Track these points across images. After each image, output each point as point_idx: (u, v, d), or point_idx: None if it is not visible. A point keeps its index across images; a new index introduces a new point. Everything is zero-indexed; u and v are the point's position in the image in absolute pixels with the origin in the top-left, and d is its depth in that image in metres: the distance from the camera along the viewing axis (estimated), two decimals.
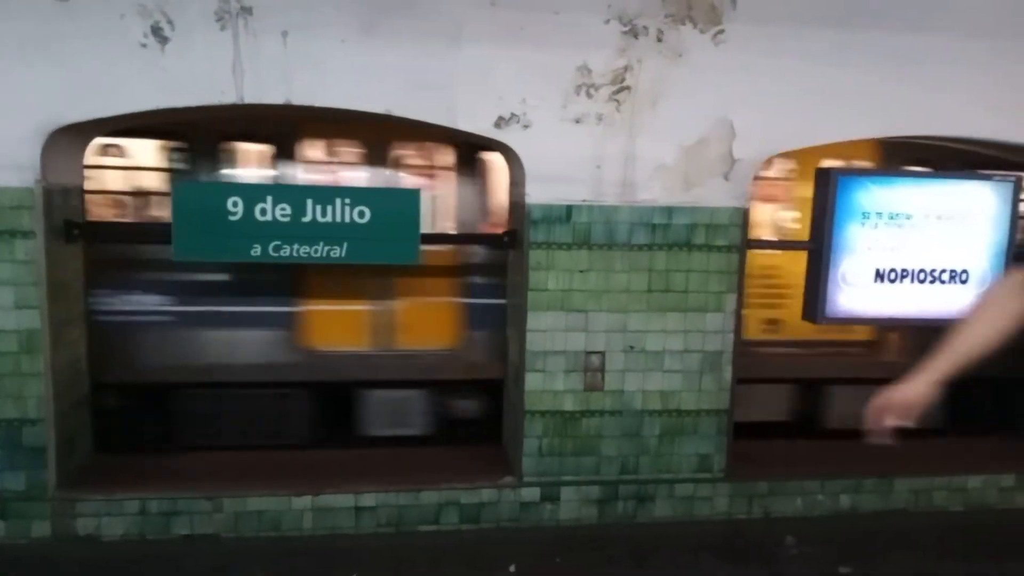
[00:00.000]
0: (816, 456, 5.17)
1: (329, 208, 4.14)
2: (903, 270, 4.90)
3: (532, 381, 4.42)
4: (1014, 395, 5.84)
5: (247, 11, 3.77)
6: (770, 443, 5.38)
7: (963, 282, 4.97)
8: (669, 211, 4.39)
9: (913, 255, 4.90)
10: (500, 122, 4.11)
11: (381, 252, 4.26)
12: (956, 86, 4.44)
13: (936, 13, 4.23)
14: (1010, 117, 4.61)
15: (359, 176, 5.45)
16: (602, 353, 4.45)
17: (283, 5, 3.77)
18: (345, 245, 4.22)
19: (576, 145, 4.20)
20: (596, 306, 4.39)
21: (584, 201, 4.29)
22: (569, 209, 4.28)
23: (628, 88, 4.13)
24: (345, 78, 3.88)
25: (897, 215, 4.84)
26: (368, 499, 4.38)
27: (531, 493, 4.52)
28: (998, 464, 5.14)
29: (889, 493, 4.90)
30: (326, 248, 4.20)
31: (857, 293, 4.88)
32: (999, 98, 4.53)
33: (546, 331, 4.39)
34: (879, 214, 4.82)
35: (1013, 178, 5.00)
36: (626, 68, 4.07)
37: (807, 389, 5.93)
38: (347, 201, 4.15)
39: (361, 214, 4.15)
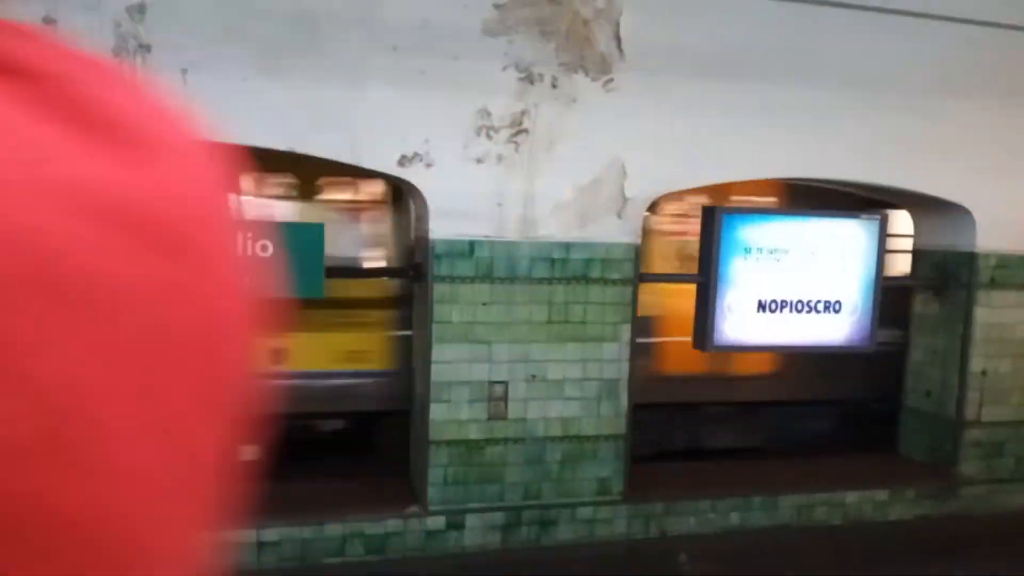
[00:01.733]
0: (708, 477, 5.47)
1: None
2: (783, 301, 5.29)
3: (437, 411, 4.53)
4: (883, 416, 6.30)
5: (145, 48, 3.82)
6: (665, 465, 5.64)
7: (836, 312, 5.40)
8: (567, 246, 4.63)
9: (791, 287, 5.32)
10: (404, 161, 4.27)
11: (284, 287, 4.31)
12: (828, 133, 4.89)
13: (809, 66, 4.67)
14: (875, 161, 5.10)
15: (283, 209, 5.48)
16: (505, 383, 4.62)
17: (182, 43, 3.84)
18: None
19: (478, 184, 4.40)
20: (499, 337, 4.57)
21: (486, 237, 4.48)
22: (472, 244, 4.46)
23: (526, 131, 4.37)
24: (246, 116, 3.96)
25: (776, 250, 5.24)
26: (270, 534, 4.37)
27: (436, 522, 4.61)
28: (874, 480, 5.55)
29: (775, 510, 5.22)
30: None
31: (741, 323, 5.24)
32: (865, 144, 5.01)
33: (450, 362, 4.52)
34: (760, 249, 5.21)
35: (879, 216, 5.50)
36: (523, 112, 4.31)
37: (697, 413, 6.26)
38: (249, 235, 4.20)
39: (264, 248, 4.22)
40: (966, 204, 5.34)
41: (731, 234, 5.15)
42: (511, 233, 4.52)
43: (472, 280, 4.49)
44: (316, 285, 4.35)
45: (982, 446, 5.61)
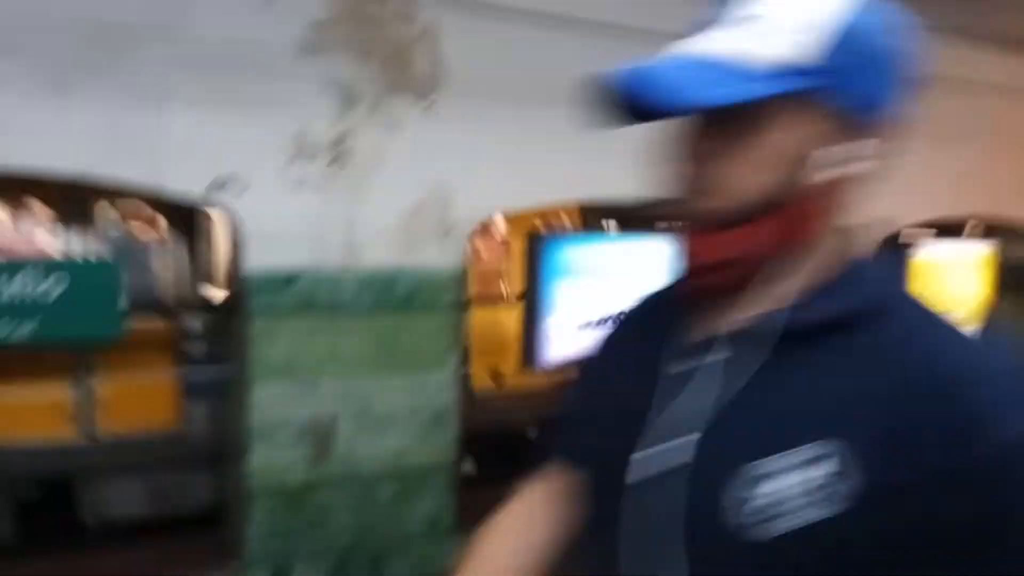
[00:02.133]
0: None
1: (9, 281, 3.62)
2: (600, 319, 5.50)
3: (257, 456, 4.19)
4: None
5: None
6: (495, 491, 5.63)
7: None
8: (393, 273, 4.48)
9: (609, 305, 5.53)
10: (215, 185, 3.92)
11: (77, 328, 3.80)
12: (641, 156, 5.13)
13: None
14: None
15: (68, 241, 4.84)
16: (331, 420, 4.37)
17: None
18: (32, 322, 3.70)
19: (297, 210, 4.14)
20: (323, 372, 4.32)
21: (307, 266, 4.23)
22: (291, 275, 4.19)
23: (347, 154, 4.18)
24: (34, 137, 3.46)
25: (595, 270, 5.44)
26: None
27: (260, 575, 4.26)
28: None
29: None
30: (8, 326, 3.65)
31: (564, 342, 5.37)
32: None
33: (270, 403, 4.21)
34: (579, 269, 5.38)
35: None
36: (344, 134, 4.12)
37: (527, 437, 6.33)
38: (33, 272, 3.66)
39: (50, 287, 3.69)
40: None
41: (552, 257, 5.28)
42: (333, 261, 4.30)
43: (292, 313, 4.21)
44: (112, 325, 3.87)
45: None
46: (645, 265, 5.63)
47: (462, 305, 4.75)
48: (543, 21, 4.13)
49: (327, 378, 4.32)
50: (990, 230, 7.59)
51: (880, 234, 6.51)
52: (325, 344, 4.30)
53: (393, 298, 4.49)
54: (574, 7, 4.11)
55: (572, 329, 5.35)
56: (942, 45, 4.82)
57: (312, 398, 4.31)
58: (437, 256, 4.61)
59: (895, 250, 6.92)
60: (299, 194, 4.13)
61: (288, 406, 4.25)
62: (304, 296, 4.22)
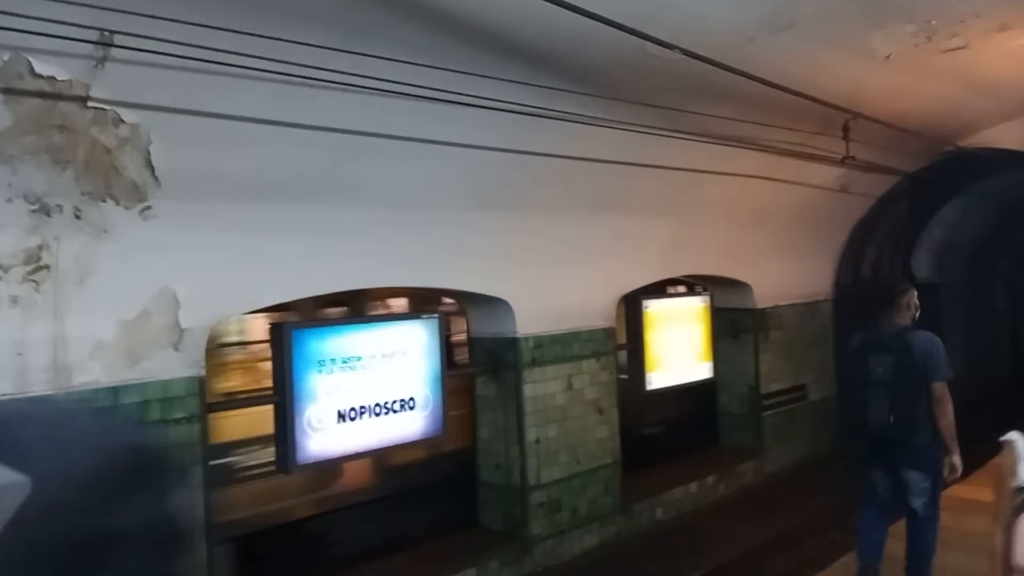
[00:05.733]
0: None
1: None
2: (361, 407, 5.37)
3: None
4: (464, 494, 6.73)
5: None
6: None
7: (411, 408, 5.67)
8: (115, 391, 4.06)
9: (368, 393, 5.42)
10: None
11: None
12: (379, 246, 5.15)
13: (355, 187, 4.85)
14: (425, 267, 5.52)
15: None
16: None
17: None
18: None
19: None
20: None
21: (5, 395, 3.70)
22: None
23: (47, 267, 3.74)
24: None
25: (349, 359, 5.32)
26: None
27: None
28: (459, 560, 5.88)
29: None
30: None
31: (324, 437, 5.17)
32: (415, 253, 5.40)
33: None
34: (333, 360, 5.23)
35: (437, 315, 5.97)
36: (41, 247, 3.69)
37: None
38: None
39: None
40: (505, 297, 6.09)
41: (303, 349, 5.08)
42: (38, 386, 3.80)
43: None
44: None
45: (545, 505, 6.37)
46: (401, 349, 5.62)
47: (204, 415, 4.41)
48: (265, 125, 4.03)
49: None
50: (702, 285, 8.61)
51: (616, 295, 7.11)
52: None
53: (120, 417, 4.05)
54: (290, 113, 4.06)
55: (331, 423, 5.17)
56: (645, 140, 5.44)
57: None
58: (170, 366, 4.25)
59: (632, 307, 7.58)
60: None
61: None
62: None
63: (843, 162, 6.91)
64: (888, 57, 5.33)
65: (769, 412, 8.87)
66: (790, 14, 4.44)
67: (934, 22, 4.81)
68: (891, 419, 4.43)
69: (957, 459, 4.37)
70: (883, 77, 5.77)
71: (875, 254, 10.38)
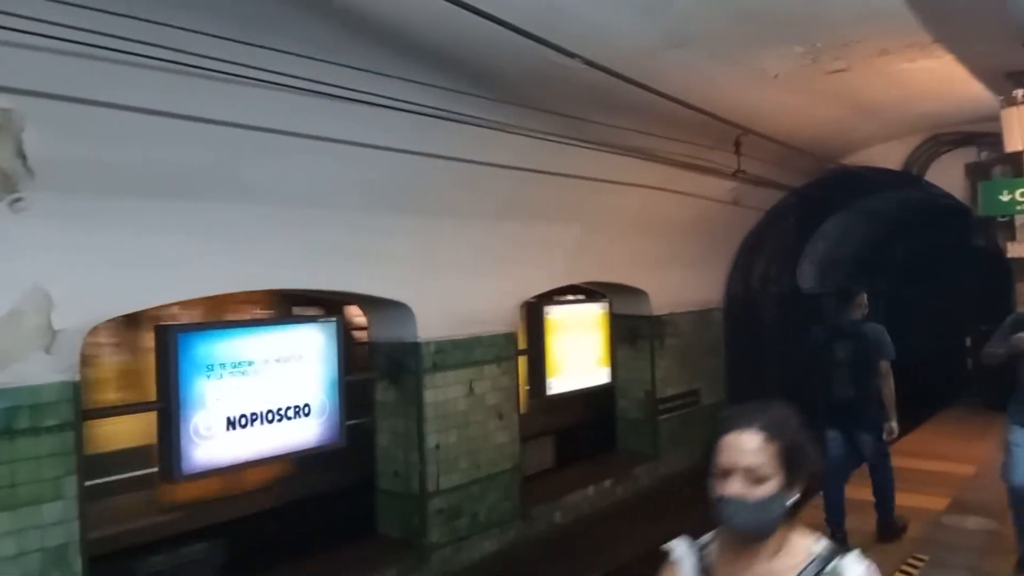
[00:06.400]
0: None
1: None
2: (253, 414, 5.16)
3: None
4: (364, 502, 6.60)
5: None
6: None
7: (306, 415, 5.50)
8: None
9: (260, 398, 5.22)
10: None
11: None
12: (273, 246, 4.98)
13: (248, 185, 4.68)
14: (322, 268, 5.38)
15: None
16: None
17: None
18: None
19: None
20: None
21: None
22: None
23: None
24: None
25: (240, 363, 5.11)
26: None
27: None
28: (357, 569, 5.75)
29: None
30: None
31: (213, 444, 4.93)
32: (312, 254, 5.25)
33: None
34: (223, 365, 5.01)
35: (335, 319, 5.82)
36: None
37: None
38: None
39: None
40: (406, 301, 6.01)
41: (190, 353, 4.85)
42: None
43: None
44: None
45: (444, 512, 6.31)
46: (297, 353, 5.45)
47: (79, 422, 4.13)
48: (150, 116, 3.83)
49: None
50: (602, 292, 8.78)
51: (519, 301, 7.15)
52: None
53: None
54: (180, 104, 3.87)
55: (220, 430, 4.94)
56: (549, 148, 5.50)
57: None
58: (41, 370, 3.96)
59: (533, 312, 7.63)
60: None
61: None
62: None
63: (735, 176, 7.22)
64: (777, 76, 5.59)
65: (664, 416, 9.12)
66: (687, 31, 4.59)
67: (819, 45, 5.08)
68: (853, 391, 5.32)
69: (895, 423, 5.37)
70: (772, 96, 6.05)
71: (764, 266, 10.88)
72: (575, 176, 6.37)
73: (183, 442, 4.78)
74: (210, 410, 4.91)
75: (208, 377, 4.91)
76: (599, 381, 8.48)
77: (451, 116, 4.57)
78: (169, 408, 4.72)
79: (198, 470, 4.89)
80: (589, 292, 8.80)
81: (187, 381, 4.80)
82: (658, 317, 9.03)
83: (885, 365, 5.35)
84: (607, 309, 8.60)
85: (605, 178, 6.65)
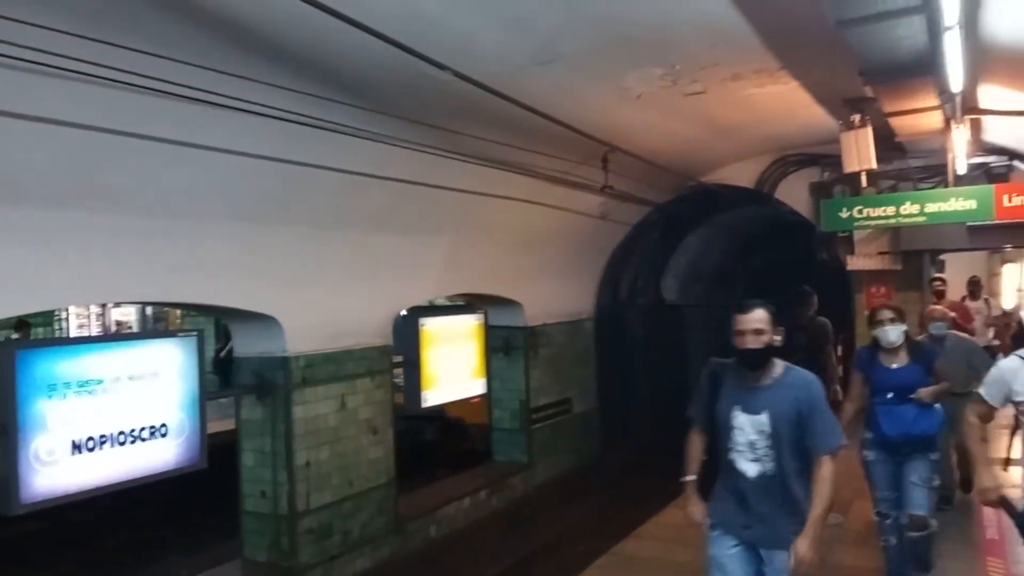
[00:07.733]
0: None
1: None
2: (102, 436, 4.79)
3: None
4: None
5: None
6: None
7: (163, 436, 5.17)
8: None
9: (111, 419, 4.86)
10: None
11: None
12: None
13: (105, 192, 4.37)
14: (186, 281, 5.11)
15: None
16: None
17: None
18: None
19: None
20: None
21: None
22: None
23: None
24: None
25: (88, 382, 4.74)
26: None
27: None
28: None
29: None
30: None
31: (56, 471, 4.55)
32: (174, 266, 4.98)
33: None
34: (67, 384, 4.63)
35: (196, 333, 5.52)
36: None
37: None
38: None
39: None
40: (274, 314, 5.80)
41: (30, 372, 4.45)
42: None
43: None
44: None
45: (315, 531, 6.11)
46: (153, 370, 5.12)
47: None
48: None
49: None
50: (475, 303, 8.84)
51: (392, 313, 7.07)
52: None
53: None
54: (14, 102, 3.57)
55: (65, 455, 4.57)
56: (423, 159, 5.48)
57: None
58: None
59: (409, 323, 7.57)
60: None
61: None
62: None
63: (603, 191, 7.47)
64: (640, 97, 5.85)
65: (538, 425, 9.26)
66: (555, 48, 4.72)
67: (678, 67, 5.36)
68: (813, 371, 6.14)
69: (838, 387, 6.57)
70: (635, 114, 6.32)
71: (631, 278, 11.30)
72: (449, 188, 6.39)
73: (21, 469, 4.37)
74: (52, 433, 4.52)
75: (50, 397, 4.52)
76: (475, 392, 8.51)
77: (324, 125, 4.47)
78: (6, 432, 4.32)
79: (39, 499, 4.49)
80: (463, 306, 8.83)
81: (26, 402, 4.40)
82: (532, 328, 9.18)
83: (830, 347, 6.88)
84: (482, 320, 8.66)
85: (478, 191, 6.71)
